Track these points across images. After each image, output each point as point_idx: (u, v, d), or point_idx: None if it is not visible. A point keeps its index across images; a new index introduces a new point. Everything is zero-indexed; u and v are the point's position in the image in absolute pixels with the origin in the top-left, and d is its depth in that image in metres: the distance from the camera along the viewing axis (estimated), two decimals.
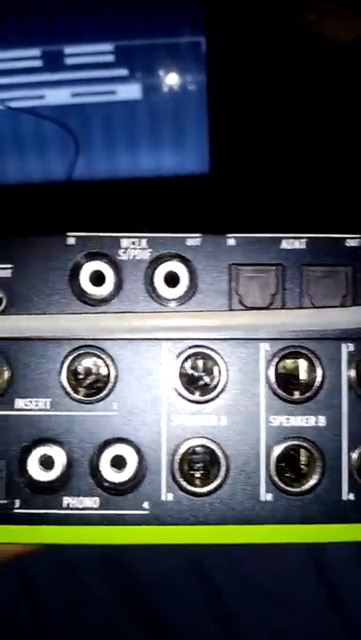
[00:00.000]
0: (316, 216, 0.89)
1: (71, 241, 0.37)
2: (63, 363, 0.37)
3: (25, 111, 0.98)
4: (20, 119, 0.99)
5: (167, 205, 0.97)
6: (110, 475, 0.36)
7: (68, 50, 0.98)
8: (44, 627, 0.66)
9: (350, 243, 0.36)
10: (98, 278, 0.36)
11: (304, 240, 0.37)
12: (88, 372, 0.37)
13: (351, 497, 0.37)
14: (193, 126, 0.99)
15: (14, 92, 0.99)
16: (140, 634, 0.66)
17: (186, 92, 0.98)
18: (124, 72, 0.98)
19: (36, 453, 0.36)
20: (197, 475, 0.37)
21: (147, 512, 0.37)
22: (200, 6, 0.96)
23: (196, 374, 0.37)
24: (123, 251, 0.36)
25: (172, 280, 0.36)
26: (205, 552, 0.65)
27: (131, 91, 0.99)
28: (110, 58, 0.98)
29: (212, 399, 0.36)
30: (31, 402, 0.37)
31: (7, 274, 0.37)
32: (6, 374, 0.37)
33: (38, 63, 0.98)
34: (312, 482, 0.36)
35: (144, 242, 0.36)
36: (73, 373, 0.37)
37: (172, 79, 0.98)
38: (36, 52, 0.98)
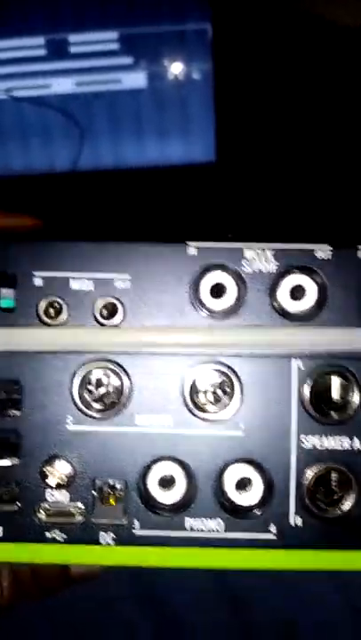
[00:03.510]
0: (325, 208, 0.89)
1: (192, 251, 0.34)
2: (185, 378, 0.35)
3: (29, 100, 0.96)
4: (24, 108, 0.97)
5: (173, 194, 0.95)
6: (236, 496, 0.34)
7: (73, 38, 0.96)
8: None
9: None
10: (219, 291, 0.34)
11: None
12: (212, 388, 0.35)
13: None
14: (199, 115, 0.98)
15: (18, 81, 0.98)
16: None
17: (192, 79, 0.97)
18: (129, 60, 0.97)
19: (157, 473, 0.35)
20: (328, 498, 0.35)
21: (273, 536, 0.35)
22: None
23: (327, 394, 0.34)
24: (246, 262, 0.34)
25: (298, 295, 0.34)
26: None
27: (136, 79, 0.97)
28: (115, 46, 0.96)
29: (346, 420, 0.34)
30: (152, 418, 0.35)
31: (125, 284, 0.34)
32: (126, 389, 0.35)
33: (42, 52, 0.97)
34: None
35: (269, 253, 0.34)
36: (196, 390, 0.35)
37: (177, 67, 0.97)
38: (39, 40, 0.96)
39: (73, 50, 0.97)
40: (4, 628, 0.65)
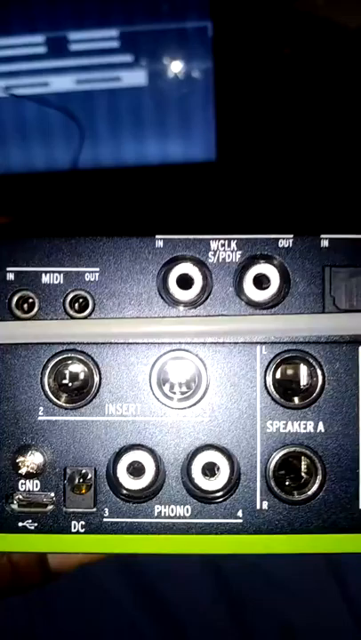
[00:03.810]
0: (321, 206, 0.89)
1: (159, 243, 0.36)
2: (153, 367, 0.36)
3: (29, 98, 0.97)
4: (24, 107, 0.98)
5: (174, 193, 0.96)
6: (203, 482, 0.36)
7: (73, 36, 0.97)
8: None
9: None
10: (186, 281, 0.36)
11: None
12: (178, 376, 0.36)
13: None
14: (199, 113, 0.98)
15: (18, 79, 0.98)
16: (154, 626, 0.65)
17: (192, 77, 0.97)
18: (129, 58, 0.97)
19: (126, 460, 0.36)
20: (293, 482, 0.36)
21: (240, 520, 0.36)
22: None
23: (291, 378, 0.36)
24: (212, 253, 0.35)
25: (262, 283, 0.35)
26: None
27: (136, 77, 0.98)
28: (115, 44, 0.97)
29: (309, 404, 0.35)
30: (121, 407, 0.36)
31: (94, 277, 0.36)
32: (96, 379, 0.36)
33: (42, 50, 0.97)
34: None
35: (233, 243, 0.36)
36: (163, 378, 0.36)
37: (177, 65, 0.97)
38: (40, 38, 0.97)
39: (73, 48, 0.98)
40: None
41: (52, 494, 0.36)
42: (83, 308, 0.36)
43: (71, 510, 0.36)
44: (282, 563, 0.66)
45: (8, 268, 0.36)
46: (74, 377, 0.36)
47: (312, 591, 0.67)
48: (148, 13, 0.97)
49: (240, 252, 0.36)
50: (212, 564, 0.67)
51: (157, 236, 0.36)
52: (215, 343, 0.36)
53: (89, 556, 0.44)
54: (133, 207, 0.95)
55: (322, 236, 0.36)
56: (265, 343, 0.36)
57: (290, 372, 0.36)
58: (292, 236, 0.36)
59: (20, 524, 0.36)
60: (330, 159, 0.95)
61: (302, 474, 0.36)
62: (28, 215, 0.88)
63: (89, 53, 0.97)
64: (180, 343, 0.36)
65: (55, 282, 0.36)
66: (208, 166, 1.00)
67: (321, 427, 0.36)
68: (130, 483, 0.36)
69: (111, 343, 0.36)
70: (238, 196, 0.96)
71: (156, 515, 0.36)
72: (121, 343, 0.36)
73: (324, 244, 0.36)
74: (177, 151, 1.00)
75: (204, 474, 0.36)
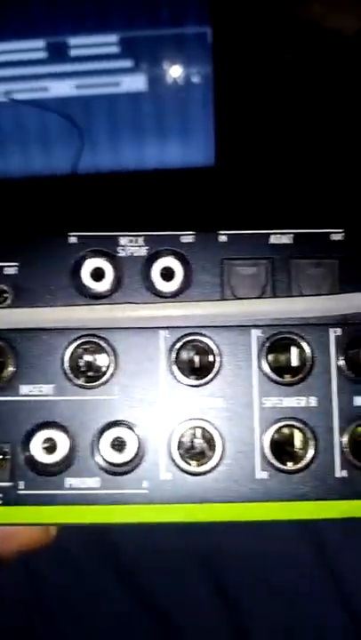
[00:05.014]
0: (317, 208, 0.92)
1: (73, 240, 0.41)
2: (65, 351, 0.41)
3: (28, 103, 1.00)
4: (23, 111, 1.01)
5: (173, 198, 0.99)
6: (111, 456, 0.40)
7: (73, 41, 0.99)
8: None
9: (334, 237, 0.41)
10: (98, 274, 0.41)
11: (291, 235, 0.41)
12: (90, 358, 0.41)
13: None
14: (199, 118, 1.01)
15: (17, 84, 1.01)
16: (145, 621, 0.69)
17: (191, 83, 0.99)
18: (128, 63, 1.00)
19: (40, 437, 0.41)
20: (194, 455, 0.41)
21: (146, 491, 0.41)
22: None
23: (191, 360, 0.41)
24: (121, 248, 0.41)
25: (167, 275, 0.41)
26: (203, 538, 0.69)
27: (136, 82, 1.00)
28: (115, 49, 0.99)
29: (207, 383, 0.41)
30: (35, 388, 0.41)
31: (13, 271, 0.41)
32: (12, 363, 0.41)
33: (42, 55, 1.00)
34: (305, 460, 0.41)
35: (141, 240, 0.41)
36: (75, 361, 0.41)
37: (177, 70, 0.99)
38: (39, 43, 1.00)
39: (73, 53, 1.01)
40: None
41: None
42: (3, 299, 0.41)
43: None
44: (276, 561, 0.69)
45: None
46: None
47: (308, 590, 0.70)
48: (147, 19, 0.99)
49: (147, 248, 0.41)
50: (208, 558, 0.71)
51: (70, 234, 0.41)
52: (123, 328, 0.41)
53: (27, 543, 0.47)
54: (132, 212, 0.97)
55: (220, 232, 0.41)
56: (168, 328, 0.41)
57: (190, 352, 0.41)
58: (193, 232, 0.41)
59: None
60: (329, 164, 0.98)
61: (200, 445, 0.41)
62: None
63: (89, 59, 1.00)
64: (91, 329, 0.41)
65: None
66: (207, 171, 1.02)
67: (220, 402, 0.41)
68: (43, 457, 0.40)
69: (28, 329, 0.41)
70: (237, 201, 0.98)
71: (67, 487, 0.41)
72: (36, 329, 0.41)
73: (223, 239, 0.41)
74: (176, 156, 1.03)
75: (113, 448, 0.40)
